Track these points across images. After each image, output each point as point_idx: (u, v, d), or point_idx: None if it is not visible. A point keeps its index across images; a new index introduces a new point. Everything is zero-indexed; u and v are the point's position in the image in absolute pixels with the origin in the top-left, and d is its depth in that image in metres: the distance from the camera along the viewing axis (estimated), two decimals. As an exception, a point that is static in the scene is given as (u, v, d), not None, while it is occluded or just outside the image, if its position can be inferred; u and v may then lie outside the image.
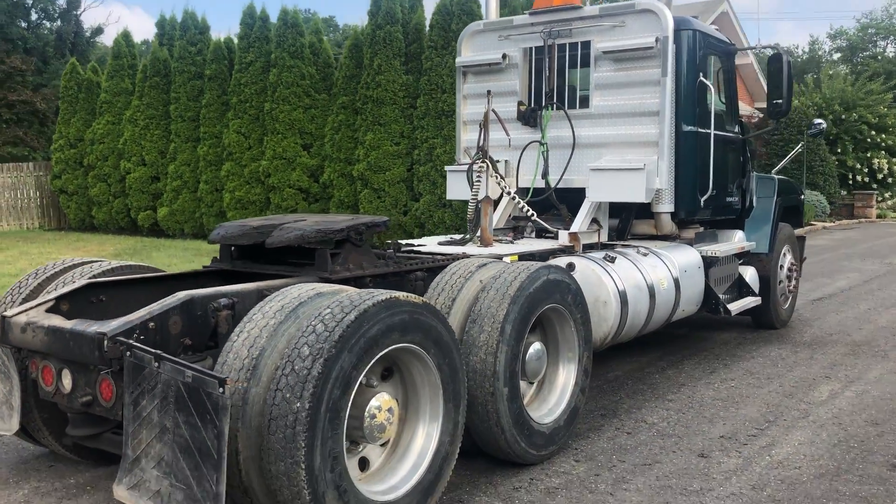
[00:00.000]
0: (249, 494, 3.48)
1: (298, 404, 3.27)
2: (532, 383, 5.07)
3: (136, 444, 3.43)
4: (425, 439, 3.99)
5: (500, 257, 5.76)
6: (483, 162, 6.64)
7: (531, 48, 7.35)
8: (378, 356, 3.59)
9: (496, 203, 7.42)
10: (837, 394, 6.28)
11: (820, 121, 9.36)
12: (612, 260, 5.95)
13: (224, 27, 77.43)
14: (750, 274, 7.96)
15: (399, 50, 15.26)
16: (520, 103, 7.35)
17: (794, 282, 8.93)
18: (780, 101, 7.48)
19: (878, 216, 27.77)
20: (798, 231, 9.49)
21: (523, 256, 6.01)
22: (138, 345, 3.41)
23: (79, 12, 40.21)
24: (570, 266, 5.78)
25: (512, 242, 6.73)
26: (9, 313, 3.98)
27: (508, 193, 6.85)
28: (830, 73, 34.35)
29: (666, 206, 6.91)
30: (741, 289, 7.88)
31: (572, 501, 4.28)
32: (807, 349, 7.82)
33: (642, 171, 6.51)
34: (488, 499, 4.31)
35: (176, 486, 3.28)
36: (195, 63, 18.45)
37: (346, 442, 3.76)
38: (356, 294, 3.63)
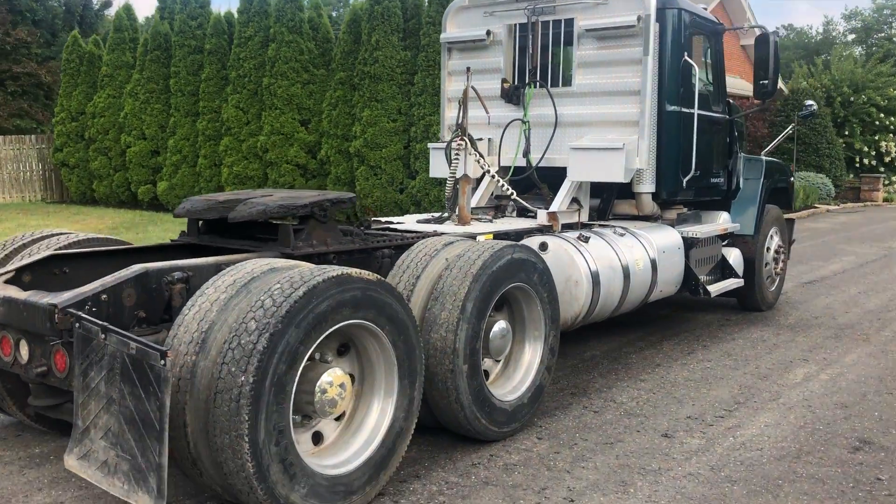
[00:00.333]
0: (198, 466, 3.52)
1: (243, 378, 3.30)
2: (498, 361, 5.09)
3: (86, 415, 3.47)
4: (379, 415, 4.01)
5: (473, 236, 5.77)
6: (461, 140, 6.62)
7: (516, 25, 7.30)
8: (328, 332, 3.61)
9: (479, 181, 7.41)
10: (812, 376, 6.27)
11: (811, 102, 9.28)
12: (586, 240, 5.94)
13: (225, 1, 77.23)
14: (734, 256, 7.94)
15: (397, 25, 15.17)
16: (503, 81, 7.31)
17: (781, 264, 8.89)
18: (766, 81, 7.41)
19: (885, 200, 27.55)
20: (799, 214, 9.43)
21: (498, 235, 6.00)
22: (86, 316, 3.44)
23: (87, -16, 40.14)
24: (543, 245, 5.78)
25: (491, 221, 6.72)
26: (-32, 284, 4.01)
27: (488, 172, 6.83)
28: (845, 53, 34.03)
29: (646, 187, 6.89)
30: (724, 270, 7.86)
31: (528, 478, 4.30)
32: (789, 332, 7.81)
33: (621, 150, 6.47)
34: (445, 474, 4.34)
35: (122, 457, 3.32)
36: (195, 37, 18.39)
37: (299, 416, 3.81)
38: (308, 270, 3.64)
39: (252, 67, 17.05)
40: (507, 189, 6.86)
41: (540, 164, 7.05)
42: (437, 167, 7.63)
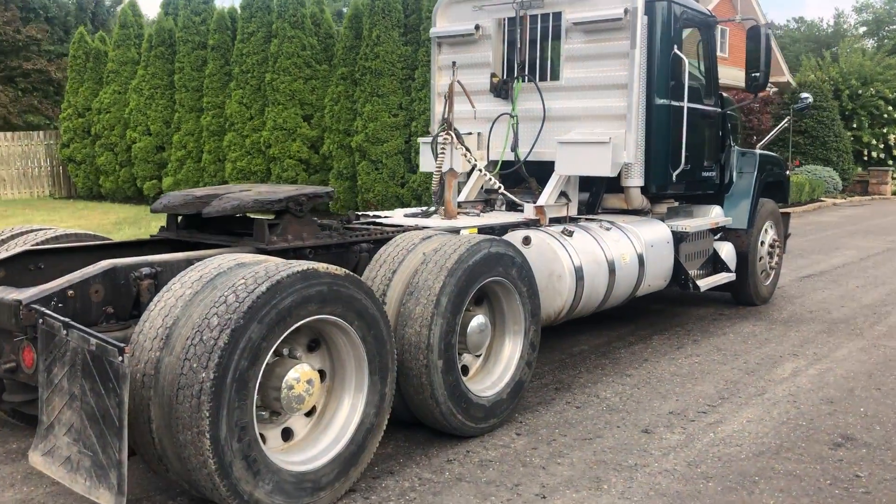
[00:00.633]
0: (164, 462, 3.52)
1: (204, 374, 3.29)
2: (478, 356, 5.07)
3: (50, 411, 3.48)
4: (350, 411, 4.00)
5: (457, 230, 5.75)
6: (447, 134, 6.59)
7: (505, 19, 7.27)
8: (293, 328, 3.60)
9: (469, 175, 7.40)
10: (800, 371, 6.22)
11: (806, 95, 9.20)
12: (570, 234, 5.91)
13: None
14: (726, 250, 7.88)
15: (398, 20, 15.15)
16: (493, 75, 7.28)
17: (776, 258, 8.83)
18: (757, 74, 7.35)
19: (894, 193, 27.33)
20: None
21: (483, 229, 5.98)
22: (49, 312, 3.44)
23: (98, -18, 40.34)
24: (526, 239, 5.75)
25: (478, 215, 6.70)
26: (-59, 280, 4.03)
27: (474, 166, 6.80)
28: (855, 46, 33.73)
29: (635, 181, 6.84)
30: (716, 264, 7.81)
31: (502, 474, 4.29)
32: (781, 326, 7.75)
33: (607, 144, 6.43)
34: (419, 470, 4.33)
35: (84, 453, 3.33)
36: (199, 33, 18.44)
37: (267, 412, 3.80)
38: (273, 265, 3.64)
39: (255, 63, 17.08)
40: (495, 183, 6.83)
41: (529, 159, 7.03)
42: (428, 161, 7.61)
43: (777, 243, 8.81)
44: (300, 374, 3.73)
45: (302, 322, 3.64)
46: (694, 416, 5.21)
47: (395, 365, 4.15)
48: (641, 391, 5.70)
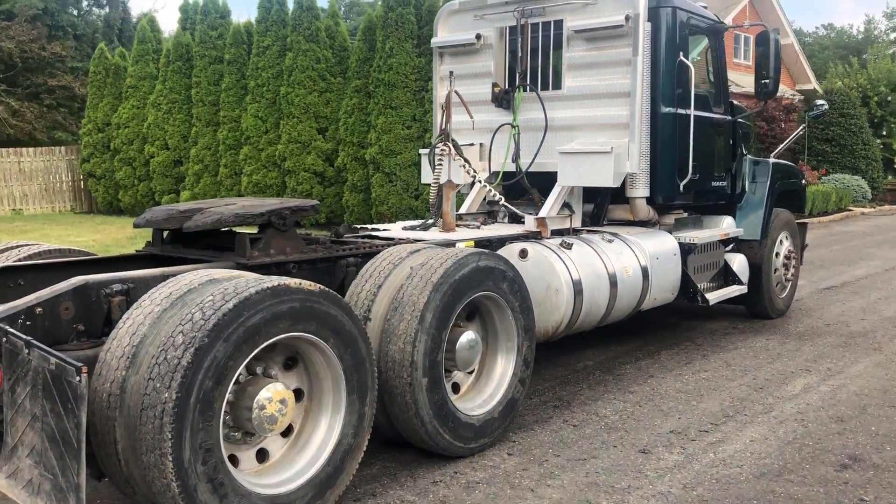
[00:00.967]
0: (131, 484, 3.41)
1: (167, 394, 3.18)
2: (470, 373, 4.93)
3: (14, 432, 3.38)
4: (326, 431, 3.87)
5: (452, 243, 5.61)
6: (445, 145, 6.47)
7: (506, 28, 7.14)
8: (263, 346, 3.48)
9: (472, 186, 7.27)
10: (811, 388, 5.99)
11: (822, 102, 8.97)
12: (569, 246, 5.75)
13: (245, 11, 78.46)
14: (738, 262, 7.66)
15: (411, 32, 15.09)
16: (494, 85, 7.14)
17: (792, 270, 8.58)
18: (767, 81, 7.15)
19: (924, 201, 26.76)
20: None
21: (479, 242, 5.83)
22: (12, 330, 3.35)
23: (126, -1, 40.97)
24: (523, 252, 5.60)
25: (478, 227, 6.56)
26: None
27: (474, 177, 6.67)
28: (887, 52, 33.17)
29: (640, 191, 6.66)
30: (727, 277, 7.59)
31: (489, 497, 4.13)
32: (796, 340, 7.51)
33: (609, 154, 6.27)
34: (402, 492, 4.19)
35: (45, 476, 3.22)
36: (216, 47, 18.53)
37: (239, 433, 3.68)
38: (244, 281, 3.52)
39: (270, 77, 17.10)
40: (495, 195, 6.69)
41: (532, 169, 6.88)
42: (428, 173, 7.48)
43: (793, 254, 8.57)
44: (272, 394, 3.60)
45: (272, 340, 3.52)
46: (695, 435, 5.01)
47: (375, 384, 4.01)
48: (643, 409, 5.51)
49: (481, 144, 7.23)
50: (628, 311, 6.33)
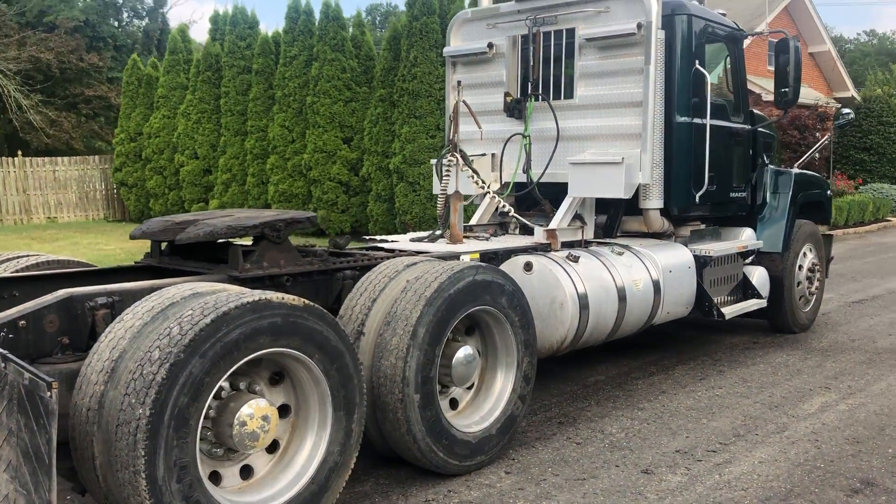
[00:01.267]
0: (110, 500, 3.36)
1: (141, 410, 3.13)
2: (469, 388, 4.83)
3: (-8, 446, 3.35)
4: (312, 448, 3.80)
5: (457, 256, 5.53)
6: (452, 155, 6.38)
7: (518, 37, 7.04)
8: (242, 362, 3.42)
9: (482, 198, 7.18)
10: (829, 406, 5.79)
11: (847, 110, 8.72)
12: (576, 259, 5.62)
13: (274, 21, 79.32)
14: (758, 274, 7.46)
15: (436, 41, 15.04)
16: (506, 94, 7.05)
17: (816, 283, 8.34)
18: (786, 89, 6.97)
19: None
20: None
21: (485, 255, 5.74)
22: (-10, 344, 3.33)
23: (165, 10, 41.67)
24: (528, 265, 5.49)
25: (487, 239, 6.46)
26: None
27: (482, 188, 6.57)
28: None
29: (654, 203, 6.51)
30: (747, 290, 7.39)
31: (481, 518, 4.02)
32: (818, 356, 7.28)
33: (620, 164, 6.14)
34: (392, 511, 4.10)
35: (19, 491, 3.18)
36: (244, 57, 18.66)
37: (222, 449, 3.62)
38: (225, 296, 3.46)
39: (296, 86, 17.17)
40: (505, 206, 6.58)
41: (544, 180, 6.77)
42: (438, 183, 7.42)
43: (817, 267, 8.33)
44: (254, 410, 3.54)
45: (253, 356, 3.46)
46: (702, 455, 4.85)
47: (363, 400, 3.93)
48: (650, 427, 5.35)
49: (493, 155, 7.14)
50: (639, 326, 6.18)
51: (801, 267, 8.08)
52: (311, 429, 3.82)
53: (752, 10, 26.60)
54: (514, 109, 6.97)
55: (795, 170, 8.14)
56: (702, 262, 6.72)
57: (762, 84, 24.85)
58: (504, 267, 5.61)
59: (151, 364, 3.20)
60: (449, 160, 6.41)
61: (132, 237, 4.78)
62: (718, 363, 7.04)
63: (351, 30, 17.06)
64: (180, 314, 3.37)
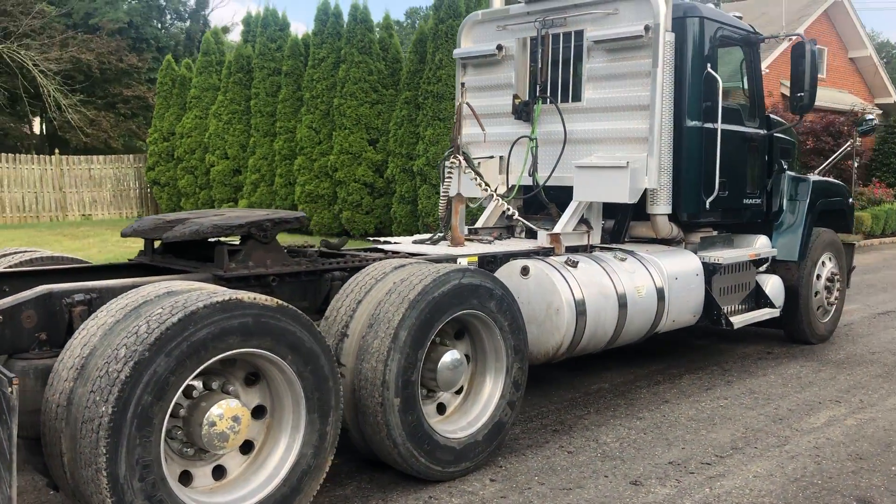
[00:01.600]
0: (77, 498, 3.37)
1: (104, 408, 3.13)
2: (458, 393, 4.77)
3: (-38, 441, 3.38)
4: (285, 450, 3.77)
5: (454, 259, 5.48)
6: (455, 158, 6.33)
7: (527, 39, 6.97)
8: (210, 361, 3.40)
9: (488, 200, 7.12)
10: (836, 421, 5.62)
11: (871, 116, 8.50)
12: (574, 264, 5.53)
13: (304, 24, 79.87)
14: (771, 283, 7.28)
15: (462, 44, 14.98)
16: (515, 97, 6.97)
17: (836, 293, 8.13)
18: (802, 94, 6.79)
19: None
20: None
21: (484, 258, 5.68)
22: (-42, 339, 3.35)
23: (207, 12, 42.30)
24: (525, 269, 5.42)
25: (490, 242, 6.40)
26: None
27: (485, 191, 6.51)
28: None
29: (661, 208, 6.39)
30: (759, 299, 7.22)
31: (458, 525, 3.96)
32: (833, 368, 7.09)
33: (625, 169, 6.03)
34: (369, 516, 4.05)
35: (-15, 486, 3.20)
36: (274, 59, 18.79)
37: (192, 449, 3.60)
38: (196, 295, 3.45)
39: (324, 88, 17.25)
40: (509, 209, 6.51)
41: (551, 184, 6.68)
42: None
43: (837, 277, 8.11)
44: (224, 411, 3.52)
45: (222, 356, 3.44)
46: (695, 467, 4.73)
47: (339, 403, 3.89)
48: (647, 437, 5.24)
49: (501, 157, 7.07)
50: (642, 334, 6.06)
51: (819, 276, 7.88)
52: (284, 431, 3.79)
53: (791, 14, 26.15)
54: (523, 112, 6.89)
55: (814, 176, 7.94)
56: (711, 270, 6.57)
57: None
58: (501, 271, 5.55)
59: (117, 362, 3.20)
60: (451, 162, 6.35)
61: (123, 235, 4.81)
62: (728, 373, 6.88)
63: (379, 32, 17.09)
64: (150, 312, 3.36)
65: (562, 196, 6.67)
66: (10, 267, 4.67)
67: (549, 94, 6.73)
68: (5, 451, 3.06)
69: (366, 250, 5.86)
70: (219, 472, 3.73)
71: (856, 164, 21.62)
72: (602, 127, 6.50)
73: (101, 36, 30.31)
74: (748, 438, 5.23)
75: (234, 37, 20.56)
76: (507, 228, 7.07)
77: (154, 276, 4.21)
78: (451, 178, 6.37)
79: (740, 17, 7.17)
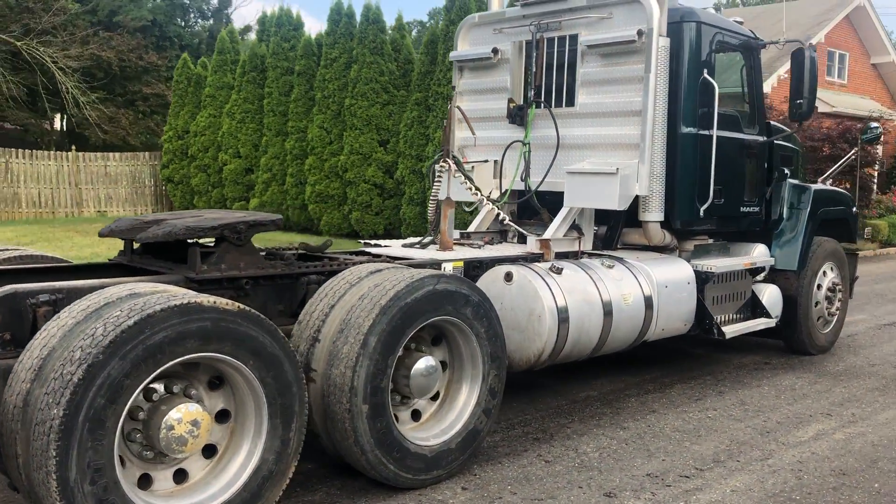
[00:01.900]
0: (32, 499, 3.36)
1: (55, 410, 3.12)
2: (433, 400, 4.72)
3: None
4: (246, 455, 3.74)
5: (438, 263, 5.43)
6: (445, 161, 6.29)
7: (523, 42, 6.91)
8: (167, 365, 3.38)
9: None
10: (824, 434, 5.51)
11: (876, 124, 8.35)
12: (559, 271, 5.46)
13: (319, 23, 79.66)
14: (768, 293, 7.17)
15: (472, 46, 14.94)
16: (510, 101, 6.92)
17: (837, 304, 7.99)
18: (801, 101, 6.68)
19: None
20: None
21: (469, 263, 5.63)
22: (-81, 338, 3.36)
23: (230, 11, 42.60)
24: (508, 275, 5.36)
25: (480, 247, 6.34)
26: None
27: (475, 195, 6.46)
28: None
29: (653, 215, 6.31)
30: (755, 309, 7.12)
31: (422, 534, 3.91)
32: (829, 380, 6.97)
33: (615, 175, 5.95)
34: (334, 523, 4.02)
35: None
36: (287, 59, 18.83)
37: (152, 452, 3.58)
38: (156, 297, 3.43)
39: (336, 88, 17.27)
40: (500, 214, 6.46)
41: (545, 189, 6.62)
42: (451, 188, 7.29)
43: (838, 287, 7.98)
44: (182, 415, 3.50)
45: (180, 360, 3.42)
46: (673, 480, 4.65)
47: (304, 409, 3.86)
48: (628, 447, 5.17)
49: (495, 161, 7.01)
50: (629, 343, 5.98)
51: (819, 286, 7.75)
52: (247, 436, 3.77)
53: (812, 19, 25.85)
54: (517, 116, 6.84)
55: (815, 185, 7.82)
56: (703, 278, 6.49)
57: (819, 95, 24.11)
58: (485, 276, 5.50)
59: (72, 364, 3.18)
60: (441, 166, 6.31)
61: (100, 235, 4.81)
62: (721, 383, 6.78)
63: (391, 33, 17.08)
64: (109, 315, 3.35)
65: (555, 201, 6.60)
66: (-11, 265, 4.67)
67: (542, 99, 6.67)
68: (-45, 451, 3.06)
69: (353, 253, 5.83)
70: (181, 476, 3.71)
71: (875, 173, 21.34)
72: (595, 132, 6.43)
73: (122, 34, 30.54)
74: (731, 451, 5.15)
75: (255, 36, 20.52)
76: (500, 233, 7.02)
77: (126, 278, 4.20)
78: (440, 181, 6.32)
79: (741, 22, 7.08)
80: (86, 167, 23.43)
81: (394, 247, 6.30)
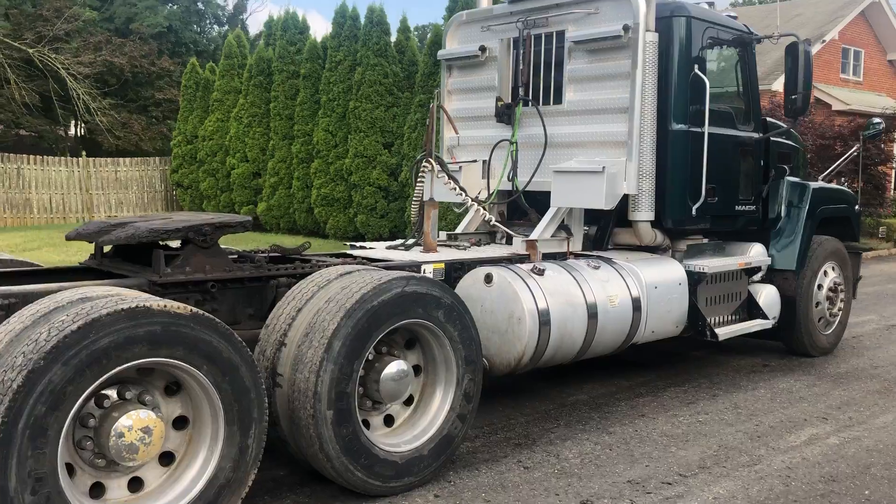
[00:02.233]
0: (-23, 509, 3.27)
1: (-6, 418, 3.03)
2: (408, 405, 4.61)
3: None
4: (203, 463, 3.64)
5: (417, 265, 5.32)
6: (428, 162, 6.17)
7: (510, 39, 6.78)
8: (114, 371, 3.28)
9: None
10: (817, 439, 5.34)
11: (878, 120, 8.14)
12: (541, 272, 5.33)
13: (325, 26, 79.62)
14: (765, 294, 6.99)
15: (475, 46, 14.82)
16: (498, 99, 6.79)
17: (839, 304, 7.80)
18: (796, 96, 6.51)
19: None
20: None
21: (451, 265, 5.51)
22: None
23: (245, 16, 42.84)
24: (488, 277, 5.23)
25: (466, 249, 6.22)
26: None
27: (459, 196, 6.34)
28: None
29: (643, 215, 6.16)
30: (751, 310, 6.94)
31: (387, 544, 3.80)
32: (828, 382, 6.78)
33: (601, 174, 5.81)
34: (298, 532, 3.91)
35: None
36: (293, 62, 18.80)
37: (103, 460, 3.49)
38: (102, 302, 3.34)
39: (340, 91, 17.21)
40: (486, 215, 6.34)
41: (533, 189, 6.49)
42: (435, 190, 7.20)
43: (840, 287, 7.78)
44: (133, 422, 3.40)
45: (127, 365, 3.32)
46: (654, 487, 4.51)
47: (264, 415, 3.76)
48: (612, 453, 5.02)
49: (483, 161, 6.89)
50: (616, 346, 5.83)
51: (820, 286, 7.56)
52: (203, 443, 3.67)
53: (826, 15, 25.52)
54: (505, 115, 6.71)
55: (815, 183, 7.63)
56: (696, 279, 6.32)
57: (833, 93, 23.79)
58: (466, 278, 5.38)
59: (13, 370, 3.09)
60: (424, 166, 6.20)
61: (67, 238, 4.73)
62: (715, 386, 6.62)
63: (395, 35, 17.01)
64: (55, 319, 3.26)
65: (544, 201, 6.46)
66: (-45, 270, 4.61)
67: (530, 97, 6.54)
68: None
69: (335, 255, 5.73)
70: (136, 484, 3.61)
71: (893, 171, 20.98)
72: (583, 130, 6.29)
73: (134, 40, 30.71)
74: (718, 457, 4.99)
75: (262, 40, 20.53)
76: (489, 234, 6.90)
77: (86, 282, 4.12)
78: (423, 182, 6.21)
79: (735, 17, 6.91)
80: (97, 172, 23.53)
81: (378, 249, 6.20)
